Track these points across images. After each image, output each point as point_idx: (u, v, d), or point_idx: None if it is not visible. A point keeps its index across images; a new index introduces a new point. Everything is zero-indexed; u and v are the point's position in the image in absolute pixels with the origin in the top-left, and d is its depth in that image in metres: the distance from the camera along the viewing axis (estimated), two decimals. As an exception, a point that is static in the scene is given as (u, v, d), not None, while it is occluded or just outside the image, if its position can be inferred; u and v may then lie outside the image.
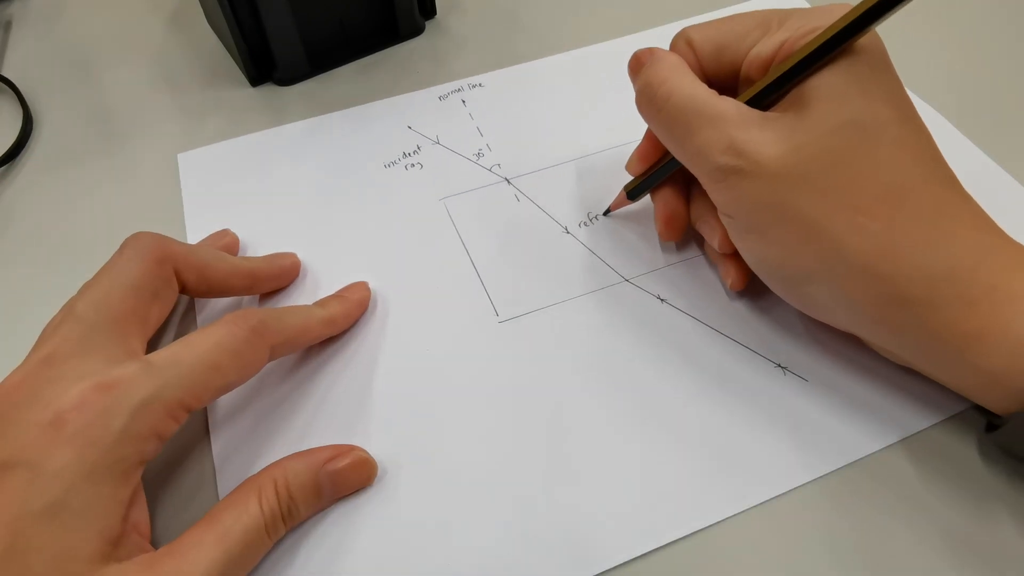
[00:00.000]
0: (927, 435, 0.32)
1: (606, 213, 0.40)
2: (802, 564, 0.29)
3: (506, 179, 0.42)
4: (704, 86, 0.31)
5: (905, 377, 0.33)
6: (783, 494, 0.30)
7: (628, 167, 0.38)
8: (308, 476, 0.29)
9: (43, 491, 0.24)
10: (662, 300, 0.36)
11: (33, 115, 0.47)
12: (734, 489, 0.30)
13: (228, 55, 0.50)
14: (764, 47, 0.31)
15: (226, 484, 0.31)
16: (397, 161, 0.44)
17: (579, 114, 0.46)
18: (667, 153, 0.34)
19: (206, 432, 0.33)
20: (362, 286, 0.37)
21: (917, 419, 0.32)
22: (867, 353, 0.33)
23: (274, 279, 0.37)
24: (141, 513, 0.27)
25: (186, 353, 0.28)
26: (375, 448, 0.32)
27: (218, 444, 0.32)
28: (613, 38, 0.51)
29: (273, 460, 0.30)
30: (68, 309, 0.30)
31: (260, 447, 0.32)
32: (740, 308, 0.36)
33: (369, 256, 0.39)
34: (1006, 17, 0.51)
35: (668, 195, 0.36)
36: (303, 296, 0.37)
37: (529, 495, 0.31)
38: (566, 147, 0.44)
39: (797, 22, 0.30)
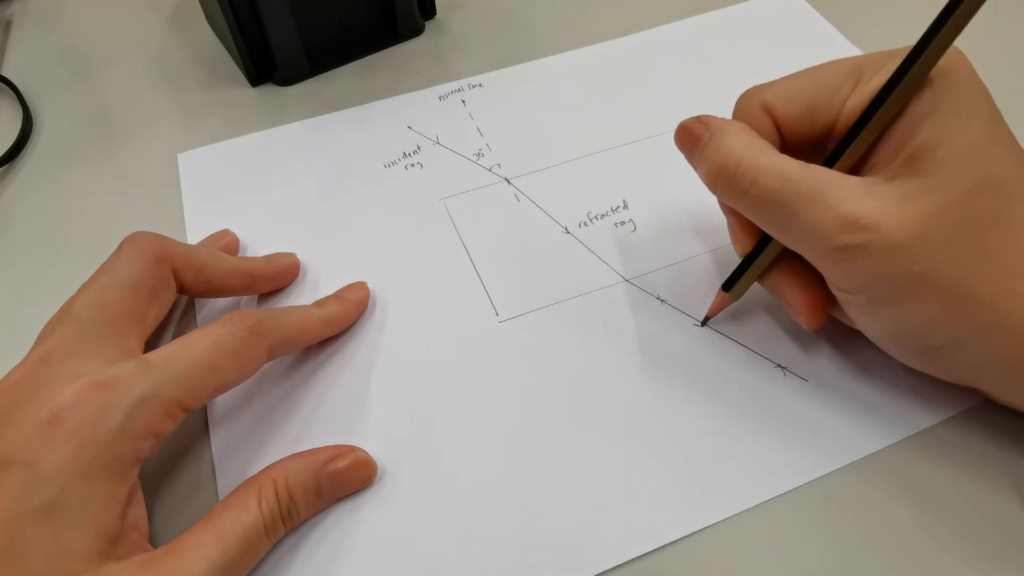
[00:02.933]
0: (927, 435, 0.31)
1: (703, 323, 0.35)
2: (802, 565, 0.29)
3: (506, 179, 0.42)
4: (787, 158, 0.28)
5: (904, 377, 0.33)
6: (783, 494, 0.30)
7: (738, 246, 0.33)
8: (308, 476, 0.29)
9: (39, 489, 0.24)
10: (662, 300, 0.36)
11: (33, 115, 0.47)
12: (734, 490, 0.30)
13: (228, 55, 0.50)
14: (859, 97, 0.28)
15: (225, 483, 0.31)
16: (397, 161, 0.44)
17: (579, 114, 0.46)
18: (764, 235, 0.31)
19: (205, 431, 0.33)
20: (361, 286, 0.37)
21: (917, 419, 0.32)
22: (866, 353, 0.33)
23: (273, 279, 0.37)
24: (139, 512, 0.27)
25: (183, 352, 0.28)
26: (375, 448, 0.31)
27: (217, 443, 0.32)
28: (613, 38, 0.51)
29: (272, 460, 0.30)
30: (66, 309, 0.30)
31: (259, 446, 0.32)
32: (739, 309, 0.36)
33: (369, 256, 0.39)
34: (1006, 17, 0.51)
35: (788, 277, 0.32)
36: (302, 296, 0.37)
37: (529, 495, 0.30)
38: (566, 147, 0.44)
39: (896, 63, 0.27)
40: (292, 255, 0.38)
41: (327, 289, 0.37)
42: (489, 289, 0.37)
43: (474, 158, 0.44)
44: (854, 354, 0.33)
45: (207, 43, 0.52)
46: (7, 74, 0.49)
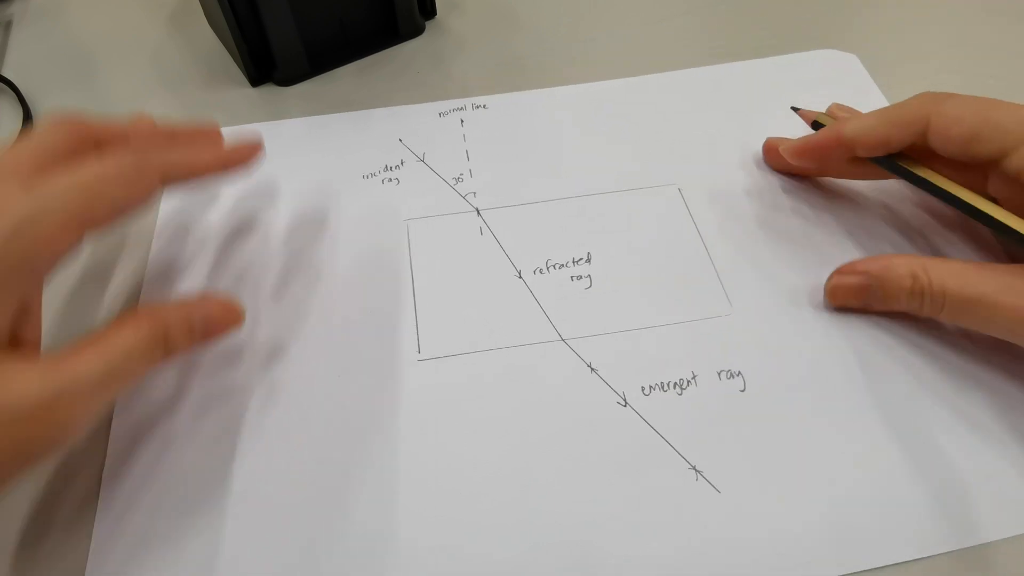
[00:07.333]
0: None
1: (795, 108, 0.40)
2: None
3: (476, 209, 0.40)
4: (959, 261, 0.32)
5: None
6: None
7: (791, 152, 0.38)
8: (180, 312, 0.30)
9: None
10: (592, 369, 0.33)
11: (33, 115, 0.48)
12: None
13: (228, 55, 0.50)
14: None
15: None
16: (377, 173, 0.42)
17: (573, 152, 0.43)
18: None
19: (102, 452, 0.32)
20: (251, 139, 0.35)
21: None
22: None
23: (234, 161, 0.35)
24: (33, 332, 0.29)
25: (67, 176, 0.27)
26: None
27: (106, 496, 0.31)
28: (614, 38, 0.49)
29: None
30: None
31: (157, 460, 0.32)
32: (659, 394, 0.33)
33: (318, 266, 0.38)
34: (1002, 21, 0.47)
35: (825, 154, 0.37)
36: (248, 285, 0.37)
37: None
38: (547, 187, 0.41)
39: None
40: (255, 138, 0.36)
41: (272, 284, 0.37)
42: (420, 324, 0.35)
43: (452, 182, 0.41)
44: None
45: (207, 43, 0.51)
46: (7, 74, 0.50)
